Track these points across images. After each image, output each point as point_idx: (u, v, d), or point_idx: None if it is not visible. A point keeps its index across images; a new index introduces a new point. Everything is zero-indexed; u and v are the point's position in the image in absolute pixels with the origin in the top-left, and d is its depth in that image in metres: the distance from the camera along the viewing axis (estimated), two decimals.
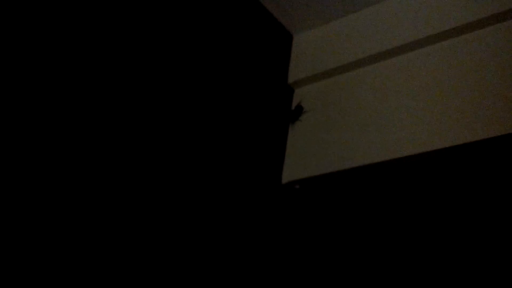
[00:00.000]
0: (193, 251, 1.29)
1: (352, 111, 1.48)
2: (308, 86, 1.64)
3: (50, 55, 1.14)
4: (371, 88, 1.48)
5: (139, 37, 1.31)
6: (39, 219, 1.05)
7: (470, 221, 1.25)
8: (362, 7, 1.57)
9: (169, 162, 1.30)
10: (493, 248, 1.20)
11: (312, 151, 1.51)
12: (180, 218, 1.28)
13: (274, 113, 1.62)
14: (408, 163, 1.34)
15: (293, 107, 1.64)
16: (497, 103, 1.23)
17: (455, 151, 1.26)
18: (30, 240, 1.03)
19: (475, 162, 1.28)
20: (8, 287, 0.99)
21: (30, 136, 1.07)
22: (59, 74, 1.14)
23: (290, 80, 1.65)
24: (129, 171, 1.22)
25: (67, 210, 1.09)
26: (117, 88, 1.25)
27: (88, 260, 1.10)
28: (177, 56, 1.39)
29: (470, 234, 1.24)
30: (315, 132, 1.54)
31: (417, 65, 1.42)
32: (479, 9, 1.33)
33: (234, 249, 1.40)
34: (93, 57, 1.22)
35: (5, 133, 1.04)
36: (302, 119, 1.59)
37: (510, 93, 1.22)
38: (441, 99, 1.32)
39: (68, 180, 1.11)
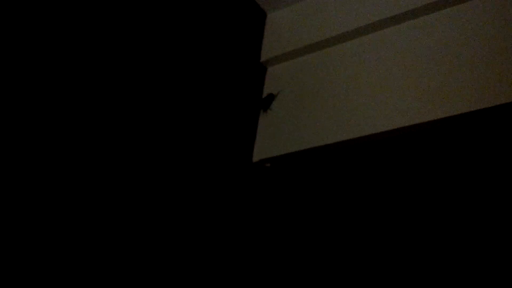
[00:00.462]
0: (165, 233, 1.27)
1: (325, 89, 1.46)
2: (281, 64, 1.62)
3: (50, 55, 1.14)
4: (345, 66, 1.46)
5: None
6: (39, 219, 1.05)
7: (457, 199, 1.24)
8: None
9: (139, 143, 1.28)
10: (487, 224, 1.19)
11: (283, 130, 1.49)
12: (152, 200, 1.26)
13: (246, 92, 1.59)
14: (380, 139, 1.33)
15: (264, 86, 1.62)
16: (473, 75, 1.22)
17: (427, 127, 1.26)
18: (30, 240, 1.03)
19: (447, 137, 1.28)
20: (8, 287, 0.98)
21: (30, 136, 1.07)
22: (59, 74, 1.14)
23: (263, 58, 1.63)
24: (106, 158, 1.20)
25: (66, 209, 1.08)
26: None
27: (85, 259, 1.09)
28: (147, 34, 1.36)
29: (459, 212, 1.23)
30: (287, 110, 1.52)
31: (390, 41, 1.41)
32: None
33: (205, 229, 1.38)
34: (85, 55, 1.21)
35: (5, 133, 1.04)
36: (274, 103, 1.57)
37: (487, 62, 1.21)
38: (415, 75, 1.31)
39: (65, 180, 1.10)
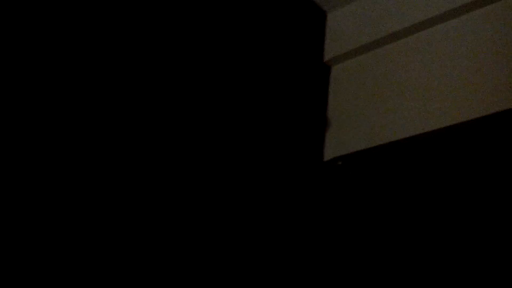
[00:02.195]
0: (236, 231, 1.31)
1: (391, 83, 1.47)
2: (344, 62, 1.63)
3: (51, 55, 1.14)
4: (410, 60, 1.47)
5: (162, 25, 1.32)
6: (39, 219, 1.05)
7: None
8: None
9: (215, 140, 1.31)
10: None
11: (353, 127, 1.51)
12: (224, 198, 1.30)
13: (313, 92, 1.62)
14: (454, 132, 1.33)
15: (330, 85, 1.64)
16: None
17: (502, 117, 1.25)
18: (30, 240, 1.03)
19: None
20: (8, 287, 0.99)
21: (30, 136, 1.07)
22: (59, 74, 1.14)
23: (326, 57, 1.65)
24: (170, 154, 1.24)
25: (67, 209, 1.08)
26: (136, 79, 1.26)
27: (90, 258, 1.09)
28: (215, 39, 1.39)
29: None
30: (355, 107, 1.54)
31: (456, 33, 1.41)
32: None
33: (278, 230, 1.41)
34: (95, 56, 1.21)
35: (5, 133, 1.04)
36: (341, 95, 1.59)
37: None
38: (484, 67, 1.31)
39: (68, 180, 1.10)
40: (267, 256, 1.35)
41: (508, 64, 1.28)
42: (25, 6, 1.13)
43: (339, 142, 1.54)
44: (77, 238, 1.08)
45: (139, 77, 1.23)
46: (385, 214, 1.45)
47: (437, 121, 1.34)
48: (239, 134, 1.38)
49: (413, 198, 1.41)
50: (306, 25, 1.67)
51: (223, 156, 1.34)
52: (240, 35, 1.47)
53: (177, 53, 1.32)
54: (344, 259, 1.47)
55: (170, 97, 1.27)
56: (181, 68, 1.31)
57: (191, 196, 1.24)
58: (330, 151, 1.55)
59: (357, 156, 1.49)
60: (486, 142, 1.31)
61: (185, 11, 1.36)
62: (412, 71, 1.46)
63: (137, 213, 1.16)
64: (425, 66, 1.43)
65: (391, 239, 1.42)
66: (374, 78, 1.53)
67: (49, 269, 1.04)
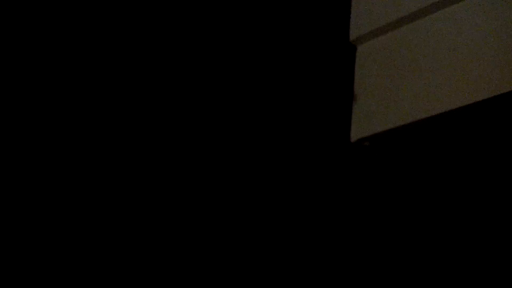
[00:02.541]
0: (259, 216, 1.28)
1: (419, 60, 1.42)
2: (370, 41, 1.59)
3: (50, 55, 1.14)
4: (439, 35, 1.41)
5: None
6: (39, 219, 1.05)
7: None
8: None
9: (238, 119, 1.29)
10: None
11: (380, 107, 1.47)
12: (247, 182, 1.27)
13: (339, 72, 1.58)
14: (487, 105, 1.27)
15: (356, 65, 1.59)
16: None
17: None
18: (30, 240, 1.03)
19: None
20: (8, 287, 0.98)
21: (30, 136, 1.08)
22: (59, 74, 1.15)
23: (352, 37, 1.61)
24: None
25: (66, 209, 1.08)
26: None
27: (90, 258, 1.09)
28: (238, 17, 1.37)
29: None
30: (381, 86, 1.49)
31: (488, 7, 1.35)
32: None
33: (303, 216, 1.37)
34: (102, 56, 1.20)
35: (5, 133, 1.05)
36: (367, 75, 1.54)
37: None
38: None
39: (68, 180, 1.10)
40: (291, 242, 1.32)
41: None
42: (25, 6, 1.13)
43: (366, 123, 1.49)
44: (77, 238, 1.08)
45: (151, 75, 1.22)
46: (415, 197, 1.41)
47: (468, 96, 1.28)
48: (263, 116, 1.36)
49: (444, 179, 1.36)
50: (331, 4, 1.63)
51: (247, 138, 1.32)
52: (265, 17, 1.44)
53: (188, 38, 1.30)
54: (372, 247, 1.43)
55: (184, 81, 1.25)
56: (202, 48, 1.29)
57: (210, 171, 1.22)
58: (357, 132, 1.50)
59: (385, 136, 1.44)
60: None
61: None
62: (440, 47, 1.41)
63: (146, 210, 1.14)
64: (454, 42, 1.37)
65: (423, 225, 1.37)
66: (401, 56, 1.48)
67: (49, 269, 1.04)
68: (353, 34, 1.60)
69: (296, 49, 1.48)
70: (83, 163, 1.09)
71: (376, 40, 1.57)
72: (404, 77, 1.45)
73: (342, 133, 1.51)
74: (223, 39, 1.33)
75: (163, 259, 1.12)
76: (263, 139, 1.35)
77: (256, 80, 1.37)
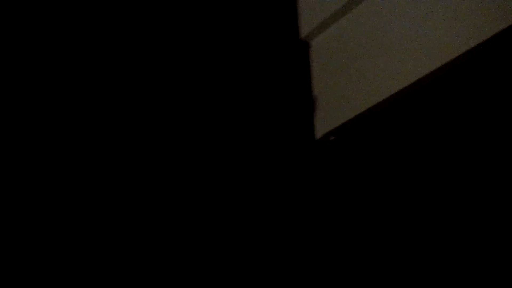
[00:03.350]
0: (229, 219, 1.21)
1: (371, 42, 1.38)
2: (322, 34, 1.54)
3: (51, 55, 1.13)
4: (387, 14, 1.37)
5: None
6: (39, 219, 1.03)
7: None
8: None
9: (196, 126, 1.25)
10: None
11: (340, 97, 1.42)
12: (213, 183, 1.22)
13: (295, 71, 1.53)
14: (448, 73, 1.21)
15: (311, 60, 1.54)
16: None
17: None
18: (30, 240, 1.01)
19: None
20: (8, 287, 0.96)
21: (30, 136, 1.07)
22: (59, 74, 1.14)
23: (304, 33, 1.56)
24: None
25: (66, 209, 1.06)
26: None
27: (90, 258, 1.07)
28: (191, 27, 1.34)
29: None
30: (338, 76, 1.44)
31: None
32: None
33: (275, 220, 1.30)
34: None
35: (5, 133, 1.04)
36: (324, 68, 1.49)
37: None
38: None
39: (68, 180, 1.09)
40: (262, 243, 1.24)
41: None
42: (25, 6, 1.13)
43: (328, 117, 1.43)
44: (77, 238, 1.06)
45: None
46: (390, 191, 1.34)
47: (420, 69, 1.23)
48: (224, 124, 1.31)
49: (416, 158, 1.29)
50: (278, 5, 1.59)
51: (211, 145, 1.27)
52: (213, 25, 1.41)
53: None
54: (345, 248, 1.35)
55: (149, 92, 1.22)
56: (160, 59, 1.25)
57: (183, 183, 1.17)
58: (321, 128, 1.44)
59: (349, 125, 1.38)
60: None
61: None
62: (387, 27, 1.36)
63: (129, 212, 1.13)
64: (403, 15, 1.33)
65: (398, 220, 1.30)
66: (352, 43, 1.44)
67: (49, 269, 1.02)
68: (304, 30, 1.56)
69: (251, 52, 1.44)
70: (83, 163, 1.10)
71: (327, 32, 1.52)
72: (358, 63, 1.40)
73: (306, 132, 1.45)
74: (173, 47, 1.29)
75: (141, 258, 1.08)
76: (226, 145, 1.29)
77: (215, 85, 1.32)
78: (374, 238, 1.35)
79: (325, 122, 1.44)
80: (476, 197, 1.17)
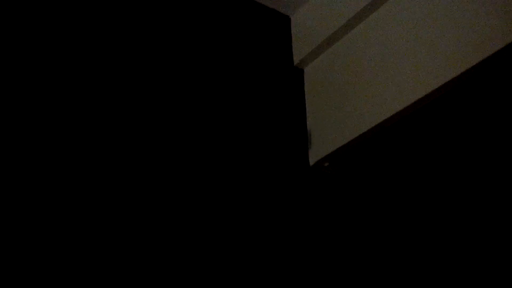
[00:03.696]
0: (220, 241, 1.22)
1: (362, 67, 1.39)
2: (314, 61, 1.56)
3: (50, 55, 1.14)
4: (374, 39, 1.38)
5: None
6: (39, 219, 1.03)
7: None
8: None
9: (193, 151, 1.27)
10: None
11: (333, 123, 1.43)
12: (205, 209, 1.23)
13: (289, 97, 1.53)
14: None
15: (305, 86, 1.55)
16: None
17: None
18: (30, 240, 1.01)
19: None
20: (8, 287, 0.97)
21: (30, 136, 1.07)
22: (59, 74, 1.14)
23: (296, 60, 1.58)
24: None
25: (66, 209, 1.07)
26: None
27: (90, 258, 1.07)
28: (181, 55, 1.36)
29: None
30: (332, 102, 1.45)
31: (414, 5, 1.32)
32: None
33: (272, 245, 1.31)
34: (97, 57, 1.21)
35: (5, 133, 1.04)
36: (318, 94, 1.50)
37: None
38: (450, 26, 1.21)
39: (68, 180, 1.09)
40: (257, 264, 1.25)
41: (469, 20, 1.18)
42: (25, 6, 1.15)
43: (322, 144, 1.44)
44: (77, 238, 1.07)
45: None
46: (383, 208, 1.34)
47: (413, 93, 1.24)
48: (220, 152, 1.32)
49: (409, 181, 1.30)
50: (272, 34, 1.60)
51: (208, 172, 1.28)
52: (209, 54, 1.42)
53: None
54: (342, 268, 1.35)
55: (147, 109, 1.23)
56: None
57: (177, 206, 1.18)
58: (315, 154, 1.45)
59: (342, 151, 1.38)
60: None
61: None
62: (378, 51, 1.38)
63: (129, 212, 1.14)
64: (393, 40, 1.34)
65: (392, 239, 1.30)
66: (344, 69, 1.45)
67: (49, 269, 1.02)
68: (297, 57, 1.57)
69: (246, 79, 1.45)
70: (83, 163, 1.10)
71: (320, 58, 1.54)
72: (350, 89, 1.41)
73: (301, 159, 1.46)
74: (164, 75, 1.31)
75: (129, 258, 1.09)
76: (223, 173, 1.29)
77: (212, 112, 1.33)
78: (367, 259, 1.35)
79: (318, 149, 1.45)
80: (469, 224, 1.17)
